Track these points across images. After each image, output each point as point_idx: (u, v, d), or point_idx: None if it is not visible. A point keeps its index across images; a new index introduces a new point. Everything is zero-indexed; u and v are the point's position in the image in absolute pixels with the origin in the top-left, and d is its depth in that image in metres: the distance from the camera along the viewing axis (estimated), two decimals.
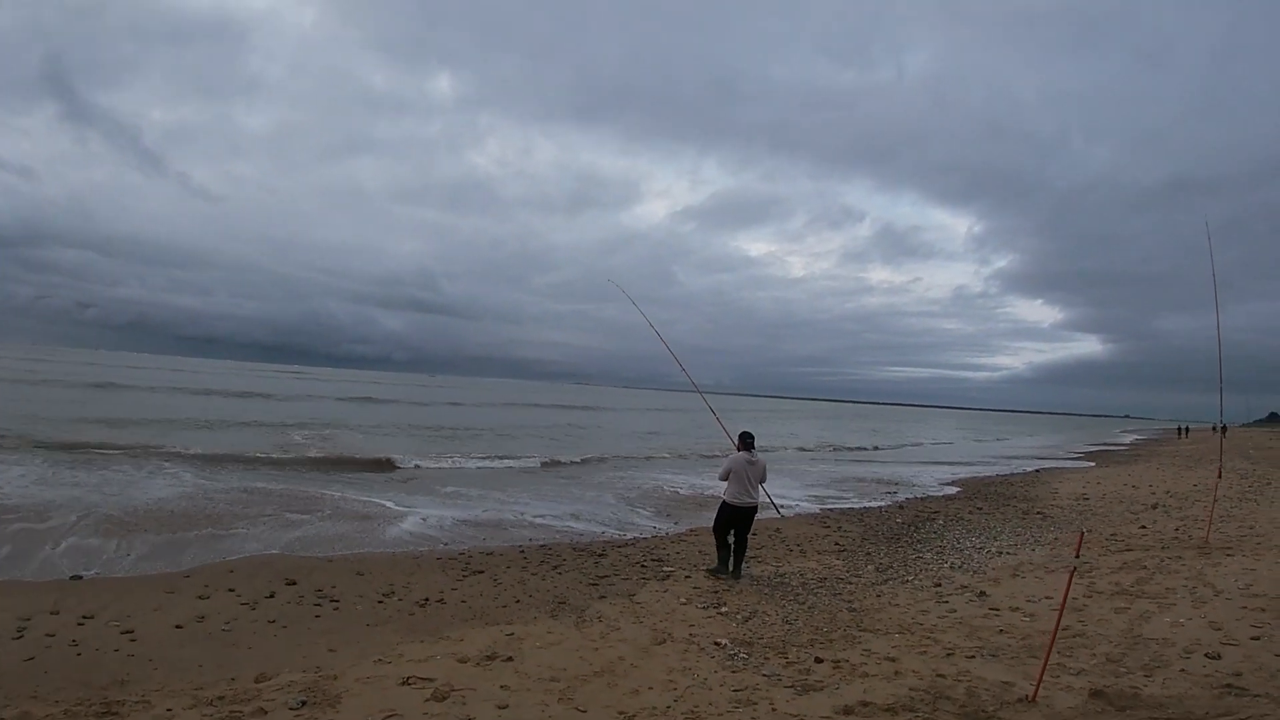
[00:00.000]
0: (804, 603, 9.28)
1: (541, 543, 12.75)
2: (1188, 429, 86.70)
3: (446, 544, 12.29)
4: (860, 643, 7.54)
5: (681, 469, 26.86)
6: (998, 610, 8.66)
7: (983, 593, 9.49)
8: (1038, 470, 31.72)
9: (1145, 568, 10.57)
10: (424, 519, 14.31)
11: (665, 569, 10.93)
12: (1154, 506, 17.89)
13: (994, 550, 12.60)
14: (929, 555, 12.26)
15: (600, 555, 11.78)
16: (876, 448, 44.10)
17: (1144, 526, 14.74)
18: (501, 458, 25.85)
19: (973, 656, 7.02)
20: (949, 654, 7.11)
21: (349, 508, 14.88)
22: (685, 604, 9.07)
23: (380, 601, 8.78)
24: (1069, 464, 37.12)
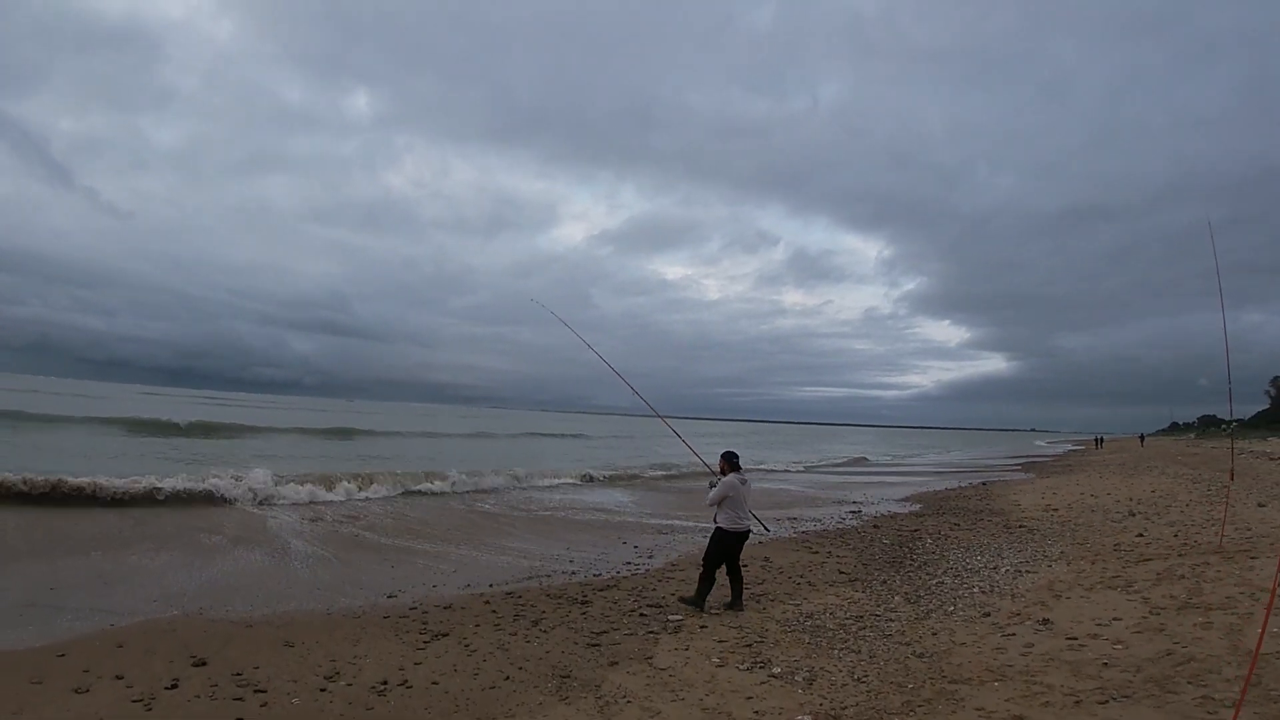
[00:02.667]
0: (859, 650, 7.65)
1: (505, 588, 10.57)
2: (1102, 439, 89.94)
3: (389, 595, 10.03)
4: (964, 700, 6.09)
5: (633, 489, 25.58)
6: (1077, 639, 7.50)
7: (1045, 620, 8.28)
8: (984, 483, 31.21)
9: (1184, 577, 9.73)
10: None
11: (671, 617, 8.97)
12: (1131, 514, 17.24)
13: (1010, 569, 11.50)
14: (949, 580, 11.00)
15: (583, 602, 9.68)
16: (810, 467, 42.68)
17: (1140, 535, 13.96)
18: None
19: (1105, 701, 5.78)
20: (1076, 701, 5.85)
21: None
22: (720, 665, 7.18)
23: (323, 690, 6.45)
24: (1008, 476, 36.88)
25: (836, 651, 7.60)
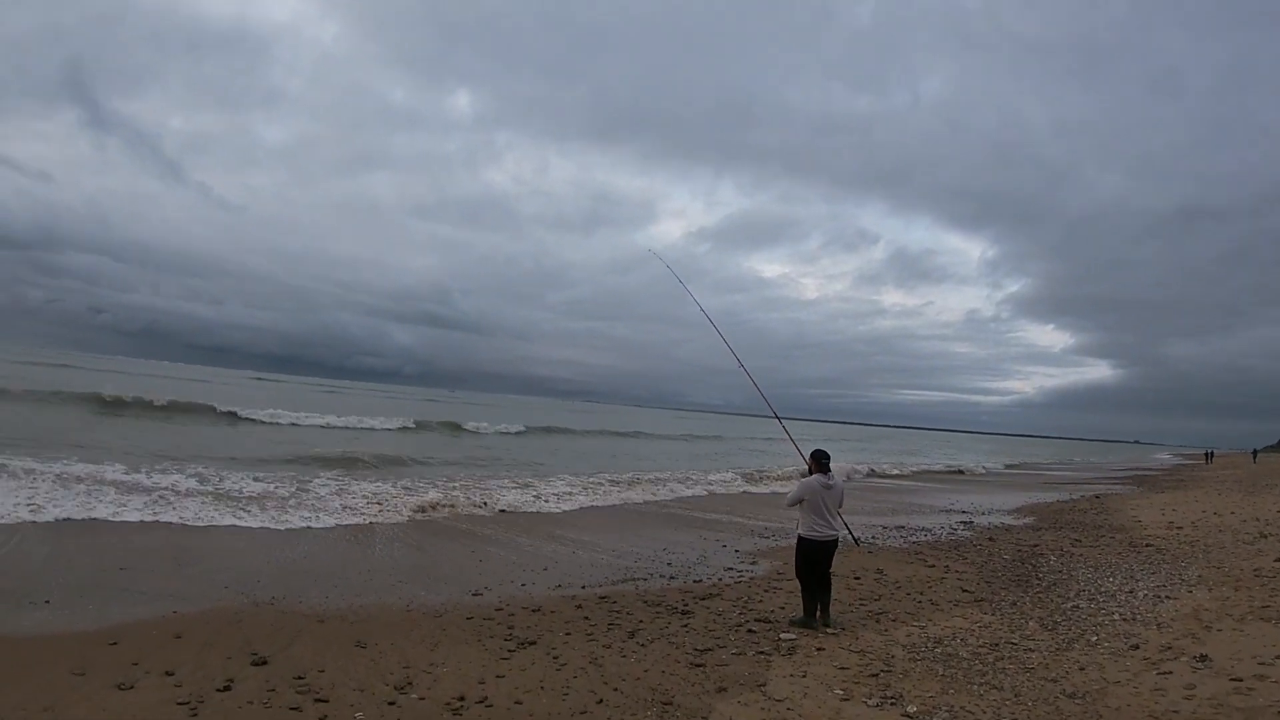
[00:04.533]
0: (1001, 687, 6.59)
1: (598, 590, 9.79)
2: (1212, 454, 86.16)
3: (474, 592, 9.33)
4: None
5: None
6: (1242, 680, 6.51)
7: (1202, 656, 7.23)
8: (1097, 496, 29.29)
9: None
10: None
11: (784, 636, 8.01)
12: (1263, 536, 15.75)
13: (1147, 594, 10.31)
14: (1084, 604, 9.80)
15: (684, 612, 8.81)
16: (915, 473, 40.63)
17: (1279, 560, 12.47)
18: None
19: None
20: None
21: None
22: (845, 699, 6.19)
23: (392, 703, 5.68)
24: (1118, 489, 34.80)
25: (976, 687, 6.56)
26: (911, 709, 5.96)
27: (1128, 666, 7.11)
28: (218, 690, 5.67)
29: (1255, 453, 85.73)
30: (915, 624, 8.72)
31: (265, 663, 6.27)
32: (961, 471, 42.28)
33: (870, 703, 6.09)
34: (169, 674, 5.92)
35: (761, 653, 7.41)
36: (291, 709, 5.43)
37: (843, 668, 7.00)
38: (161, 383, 57.06)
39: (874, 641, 7.93)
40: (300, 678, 6.00)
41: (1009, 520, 20.14)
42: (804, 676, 6.71)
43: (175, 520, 12.31)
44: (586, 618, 8.35)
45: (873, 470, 37.60)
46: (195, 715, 5.25)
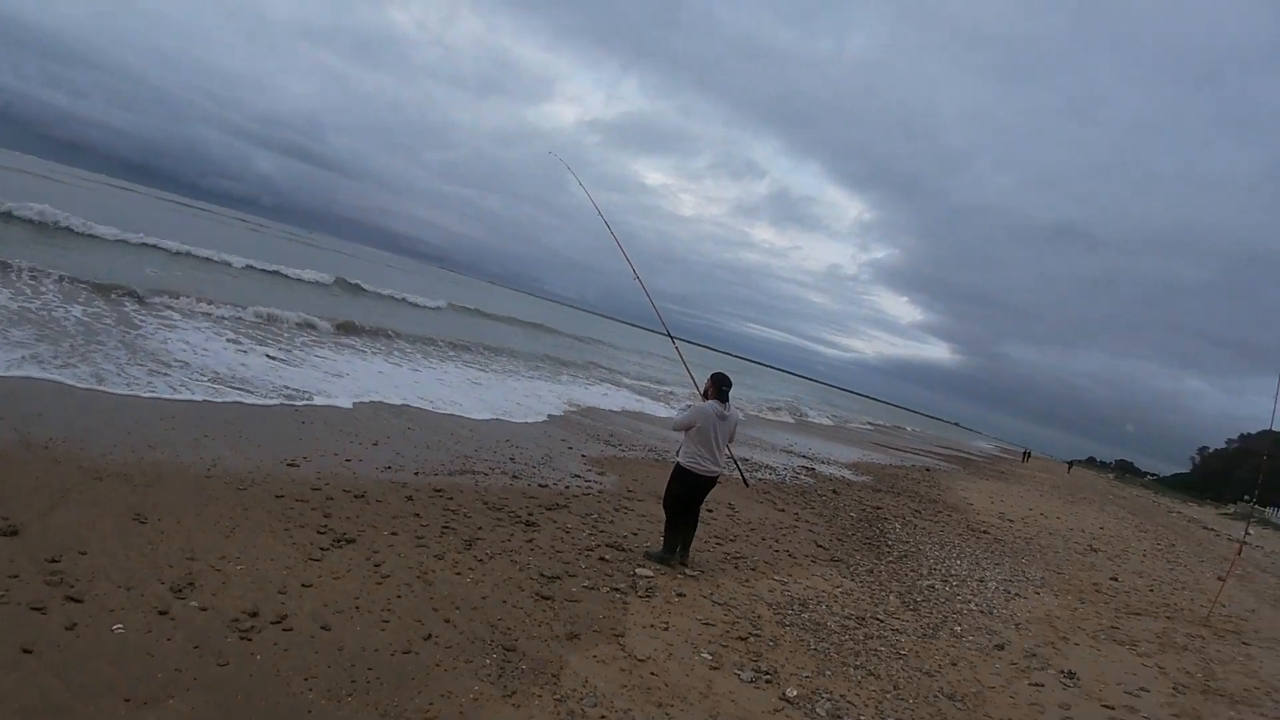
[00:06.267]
0: (878, 674, 6.01)
1: (433, 480, 8.55)
2: (1029, 454, 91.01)
3: (289, 462, 7.84)
4: None
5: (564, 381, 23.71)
6: (1113, 709, 6.33)
7: (1070, 672, 7.04)
8: (927, 469, 30.21)
9: (1186, 649, 8.85)
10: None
11: (640, 573, 7.06)
12: (1093, 550, 16.43)
13: (997, 587, 10.28)
14: (940, 586, 9.55)
15: (529, 524, 7.71)
16: (755, 406, 40.81)
17: (1115, 579, 12.93)
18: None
19: None
20: None
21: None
22: (714, 667, 5.35)
23: (164, 612, 4.25)
24: (944, 465, 36.15)
25: (851, 670, 5.89)
26: (791, 692, 5.17)
27: (998, 670, 6.77)
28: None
29: (1070, 464, 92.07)
30: (775, 577, 8.07)
31: (15, 533, 4.72)
32: (803, 416, 43.15)
33: (744, 677, 5.26)
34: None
35: (616, 590, 6.46)
36: (34, 608, 3.99)
37: (708, 623, 6.17)
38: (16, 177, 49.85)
39: (737, 593, 7.17)
40: (54, 560, 4.51)
41: (848, 475, 20.24)
42: (666, 629, 5.83)
43: None
44: (417, 514, 7.11)
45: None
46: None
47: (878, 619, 7.45)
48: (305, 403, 10.82)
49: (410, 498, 7.62)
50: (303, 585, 5.01)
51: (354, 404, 11.68)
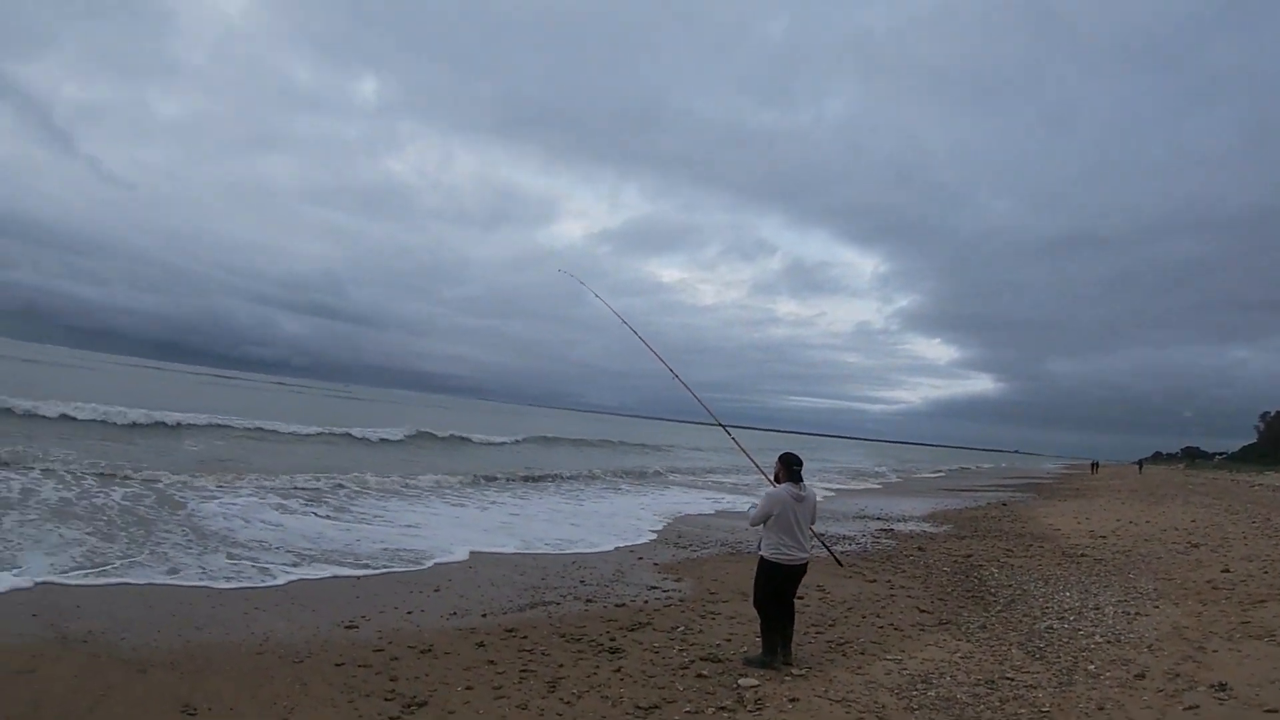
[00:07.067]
0: None
1: (502, 619, 8.01)
2: (1097, 464, 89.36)
3: (347, 624, 7.38)
4: None
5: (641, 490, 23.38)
6: (1278, 712, 5.54)
7: (1222, 684, 6.20)
8: (1003, 503, 29.08)
9: None
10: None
11: (744, 683, 6.35)
12: (1194, 545, 15.36)
13: (1114, 610, 9.42)
14: (1057, 624, 8.73)
15: (613, 650, 7.11)
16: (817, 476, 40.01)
17: (1227, 570, 12.05)
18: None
19: None
20: None
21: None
22: None
23: None
24: (1018, 496, 34.84)
25: None
26: None
27: (1148, 703, 5.95)
28: None
29: (1140, 464, 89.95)
30: (888, 657, 7.31)
31: None
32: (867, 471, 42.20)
33: None
34: None
35: (723, 709, 5.75)
36: None
37: None
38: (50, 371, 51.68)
39: (853, 685, 6.43)
40: None
41: (927, 528, 19.38)
42: None
43: None
44: (491, 661, 6.55)
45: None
46: None
47: (1007, 678, 6.68)
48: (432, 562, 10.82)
49: (481, 644, 7.09)
50: None
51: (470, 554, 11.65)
